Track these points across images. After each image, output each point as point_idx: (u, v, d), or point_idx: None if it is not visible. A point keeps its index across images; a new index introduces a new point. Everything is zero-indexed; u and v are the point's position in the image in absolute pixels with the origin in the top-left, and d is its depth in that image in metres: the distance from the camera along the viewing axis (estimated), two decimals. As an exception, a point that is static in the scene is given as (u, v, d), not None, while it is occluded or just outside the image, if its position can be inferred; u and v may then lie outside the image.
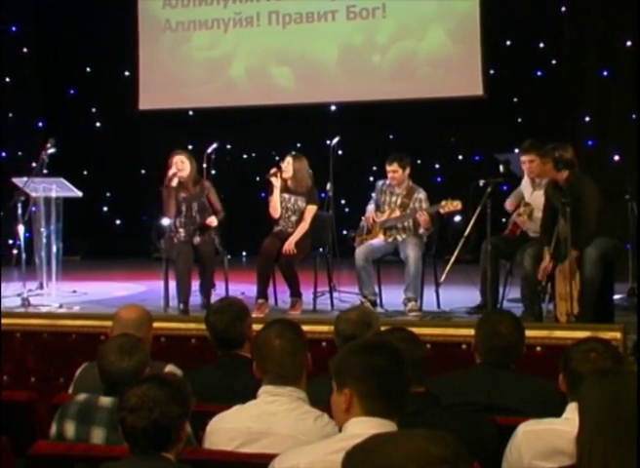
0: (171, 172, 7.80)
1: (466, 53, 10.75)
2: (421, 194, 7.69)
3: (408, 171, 7.75)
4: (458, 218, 7.96)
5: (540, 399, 3.63)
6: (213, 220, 7.83)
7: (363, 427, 2.60)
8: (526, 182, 7.54)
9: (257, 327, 4.09)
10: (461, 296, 7.65)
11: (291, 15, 11.42)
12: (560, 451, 3.03)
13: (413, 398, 3.24)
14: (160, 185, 7.99)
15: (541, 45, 10.81)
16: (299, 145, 11.26)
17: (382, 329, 4.00)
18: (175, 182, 7.79)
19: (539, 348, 5.30)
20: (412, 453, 1.83)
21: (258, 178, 11.56)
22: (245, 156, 12.11)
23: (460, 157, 11.29)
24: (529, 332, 4.20)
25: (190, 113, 12.11)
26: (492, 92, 10.69)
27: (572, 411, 3.08)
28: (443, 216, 7.65)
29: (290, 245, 7.61)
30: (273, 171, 7.86)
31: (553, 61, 10.74)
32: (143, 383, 2.95)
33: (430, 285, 7.59)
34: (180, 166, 7.84)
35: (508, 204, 7.66)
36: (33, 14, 12.24)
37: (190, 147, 9.86)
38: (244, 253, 11.61)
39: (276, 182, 7.83)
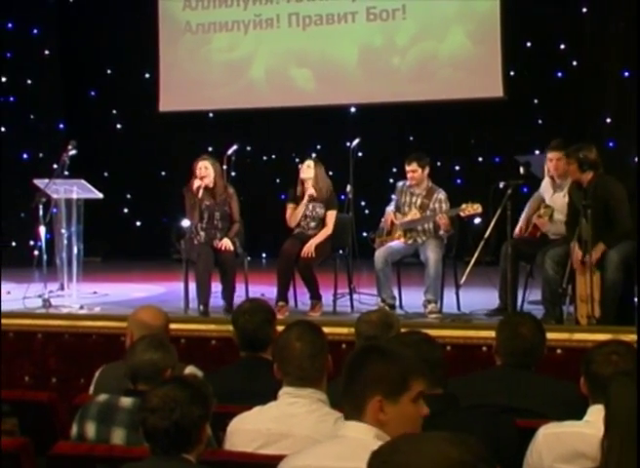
0: (196, 183, 7.78)
1: (486, 54, 10.73)
2: (442, 194, 7.67)
3: (427, 170, 7.74)
4: (478, 221, 7.95)
5: (560, 401, 3.62)
6: (227, 244, 7.78)
7: None
8: (546, 184, 7.51)
9: (277, 329, 4.11)
10: (482, 299, 7.63)
11: (311, 16, 11.43)
12: (582, 455, 3.01)
13: (432, 399, 3.24)
14: (181, 188, 8.00)
15: (562, 46, 10.78)
16: (318, 147, 11.28)
17: (402, 331, 3.99)
18: (201, 193, 7.77)
19: (559, 350, 5.29)
20: (432, 456, 1.83)
21: (278, 180, 11.60)
22: (265, 158, 12.12)
23: (480, 159, 11.26)
24: (550, 335, 4.18)
25: (210, 115, 12.14)
26: (512, 93, 10.66)
27: (593, 414, 3.07)
28: (463, 219, 7.64)
29: (310, 247, 7.62)
30: (310, 192, 7.82)
31: (574, 63, 10.70)
32: (165, 384, 2.97)
33: (450, 287, 7.57)
34: (204, 172, 7.82)
35: (529, 209, 7.60)
36: (54, 16, 12.30)
37: (210, 149, 9.88)
38: (264, 255, 11.62)
39: (306, 200, 7.84)
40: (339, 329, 5.76)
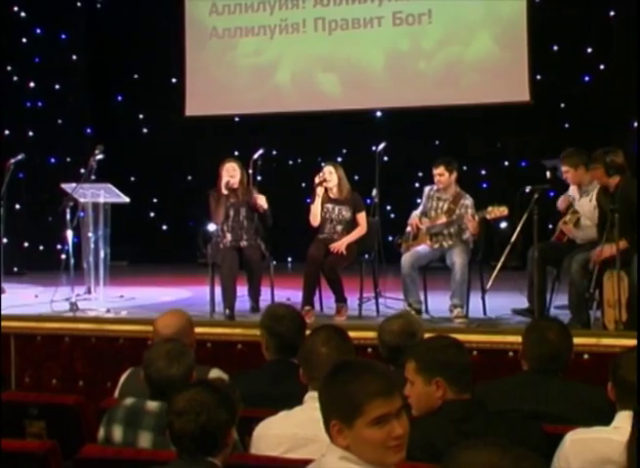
0: (224, 180, 7.83)
1: (513, 58, 10.70)
2: (468, 200, 7.65)
3: (455, 175, 7.71)
4: (504, 225, 7.92)
5: (588, 407, 3.59)
6: (262, 200, 7.82)
7: None
8: (572, 190, 7.48)
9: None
10: (508, 303, 7.59)
11: (337, 21, 11.44)
12: (609, 461, 2.99)
13: (460, 404, 3.23)
14: (207, 192, 8.03)
15: (589, 50, 10.73)
16: (344, 151, 11.28)
17: (427, 336, 3.97)
18: (226, 190, 7.81)
19: (586, 356, 5.25)
20: (482, 465, 1.82)
21: (303, 184, 11.59)
22: (290, 162, 12.14)
23: (507, 163, 11.23)
24: (576, 340, 4.16)
25: (236, 119, 12.17)
26: (539, 97, 10.62)
27: (621, 420, 3.04)
28: (489, 222, 7.60)
29: (342, 244, 7.64)
30: (319, 179, 7.86)
31: (601, 66, 10.65)
32: (192, 388, 2.97)
33: (477, 291, 7.54)
34: (232, 173, 7.89)
35: (560, 202, 7.54)
36: (82, 21, 12.38)
37: (236, 153, 9.90)
38: (289, 259, 11.63)
39: (320, 191, 7.85)
40: (364, 333, 5.75)
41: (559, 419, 3.54)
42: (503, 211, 7.32)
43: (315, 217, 7.89)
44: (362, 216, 7.91)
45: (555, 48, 10.84)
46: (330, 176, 7.87)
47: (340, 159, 8.56)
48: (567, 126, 10.74)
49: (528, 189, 7.00)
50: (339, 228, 7.87)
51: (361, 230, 7.87)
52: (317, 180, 7.87)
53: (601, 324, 6.56)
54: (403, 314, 6.16)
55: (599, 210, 6.84)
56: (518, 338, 4.15)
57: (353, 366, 2.69)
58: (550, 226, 7.82)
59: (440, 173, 7.67)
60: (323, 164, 8.12)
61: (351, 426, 2.56)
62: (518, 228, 7.01)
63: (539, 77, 10.75)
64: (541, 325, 3.99)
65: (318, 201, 7.87)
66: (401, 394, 2.70)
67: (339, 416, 2.58)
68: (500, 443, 1.89)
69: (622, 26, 10.28)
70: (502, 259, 7.01)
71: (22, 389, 6.37)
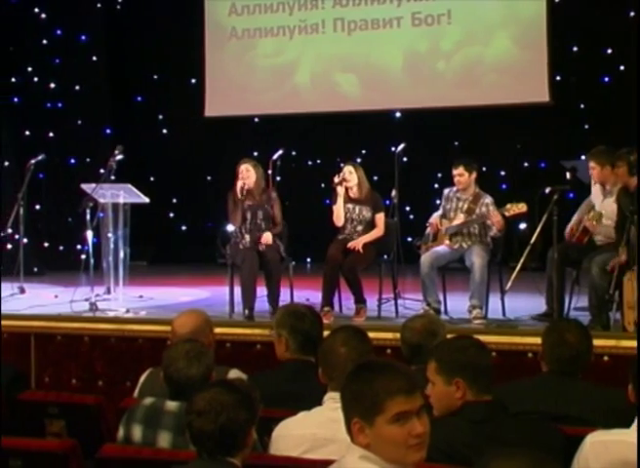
0: (239, 184, 7.82)
1: (532, 59, 10.67)
2: (488, 199, 7.62)
3: (474, 175, 7.69)
4: (523, 226, 7.89)
5: (608, 409, 3.58)
6: (268, 238, 7.79)
7: None
8: (596, 191, 7.44)
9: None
10: (527, 304, 7.58)
11: (356, 21, 11.43)
12: (629, 463, 2.98)
13: (480, 406, 3.22)
14: (227, 192, 8.04)
15: (609, 50, 10.68)
16: (363, 152, 11.27)
17: (448, 336, 3.97)
18: (242, 194, 7.80)
19: (606, 357, 5.24)
20: None
21: (322, 185, 11.58)
22: (310, 163, 12.14)
23: (526, 164, 11.19)
24: (596, 341, 4.15)
25: (256, 120, 12.18)
26: (558, 98, 10.59)
27: (642, 422, 3.03)
28: (508, 220, 7.57)
29: (358, 243, 7.63)
30: (339, 179, 7.86)
31: (621, 67, 10.60)
32: (212, 387, 2.97)
33: (496, 292, 7.52)
34: (245, 174, 7.87)
35: (572, 223, 7.52)
36: (102, 23, 12.42)
37: (255, 154, 9.93)
38: (308, 260, 11.63)
39: (341, 191, 7.84)
40: (383, 334, 5.76)
41: (579, 421, 3.53)
42: (522, 207, 7.30)
43: (339, 218, 7.88)
44: (380, 218, 7.90)
45: (575, 48, 10.79)
46: (350, 176, 7.87)
47: (359, 160, 8.56)
48: (586, 127, 10.70)
49: (547, 190, 6.98)
50: (359, 228, 7.87)
51: (378, 232, 7.86)
52: (336, 180, 7.87)
53: (621, 326, 6.53)
54: (426, 314, 6.17)
55: (618, 211, 6.81)
56: (537, 340, 4.14)
57: (375, 364, 2.70)
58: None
59: (460, 173, 7.65)
60: (342, 164, 8.12)
61: (372, 424, 2.56)
62: (538, 229, 6.99)
63: (558, 78, 10.71)
64: (561, 326, 3.97)
65: (340, 201, 7.86)
66: (422, 393, 2.71)
67: (360, 414, 2.58)
68: (532, 454, 1.88)
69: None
70: (522, 260, 6.99)
71: (42, 389, 6.40)
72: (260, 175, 7.98)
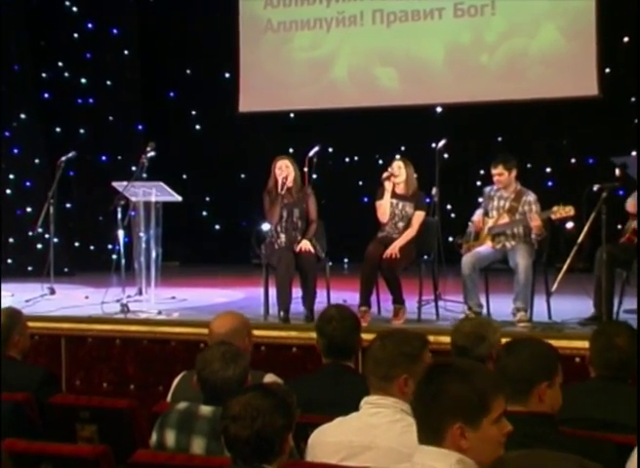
0: (280, 179, 7.82)
1: (581, 50, 10.59)
2: (531, 197, 7.58)
3: (514, 173, 7.65)
4: (570, 225, 7.83)
5: (659, 416, 3.55)
6: (307, 246, 7.73)
7: None
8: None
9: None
10: (574, 307, 7.53)
11: (395, 13, 11.42)
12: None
13: (526, 417, 3.19)
14: (261, 190, 8.06)
15: (661, 41, 10.58)
16: (403, 148, 11.25)
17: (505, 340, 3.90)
18: (284, 190, 7.80)
19: (658, 362, 5.18)
20: None
21: (360, 183, 11.60)
22: (347, 160, 12.14)
23: (574, 160, 11.12)
24: (647, 346, 4.11)
25: (291, 115, 12.20)
26: (608, 91, 10.51)
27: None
28: (555, 222, 7.54)
29: (394, 249, 7.60)
30: (387, 174, 7.86)
31: (674, 59, 10.50)
32: (247, 392, 2.98)
33: (541, 294, 7.48)
34: (285, 171, 7.87)
35: (629, 205, 7.46)
36: (134, 16, 12.50)
37: (291, 151, 9.94)
38: (346, 260, 11.64)
39: (389, 186, 7.83)
40: (424, 337, 5.74)
41: (628, 429, 3.50)
42: (569, 211, 7.25)
43: (384, 214, 7.86)
44: (418, 216, 7.85)
45: (626, 39, 10.69)
46: (398, 171, 7.86)
47: (397, 156, 8.53)
48: (637, 121, 10.60)
49: (596, 188, 6.93)
50: (400, 225, 7.85)
51: (411, 232, 7.80)
52: (385, 175, 7.87)
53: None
54: (480, 317, 6.15)
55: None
56: (585, 344, 4.13)
57: (458, 364, 2.68)
58: (619, 227, 7.73)
59: (499, 172, 7.61)
60: (396, 159, 8.11)
61: (478, 426, 2.54)
62: (585, 229, 6.94)
63: (608, 70, 10.63)
64: (610, 330, 3.95)
65: (387, 196, 7.85)
66: None
67: (464, 417, 2.53)
68: (577, 460, 1.88)
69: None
70: (569, 261, 6.94)
71: (73, 392, 6.45)
72: (297, 172, 8.00)
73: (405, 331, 3.70)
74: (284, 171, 7.85)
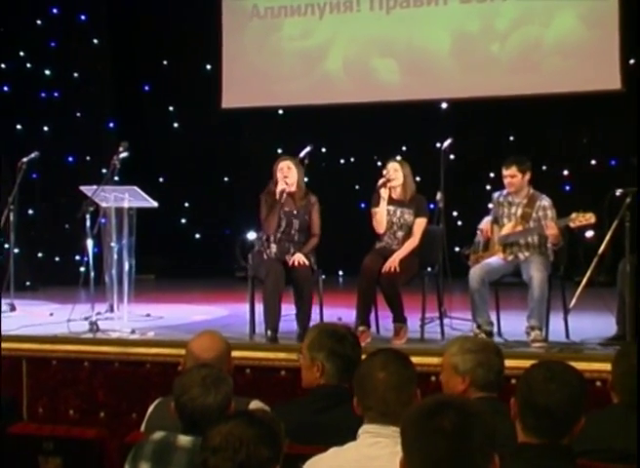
0: (280, 186, 7.77)
1: (602, 40, 10.63)
2: (545, 201, 7.60)
3: (528, 176, 7.67)
4: (590, 234, 7.85)
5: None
6: (300, 259, 7.70)
7: None
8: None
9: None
10: (595, 325, 7.55)
11: (396, -2, 11.47)
12: None
13: (539, 448, 3.18)
14: (247, 194, 8.06)
15: (691, 29, 10.64)
16: (404, 149, 11.27)
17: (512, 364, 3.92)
18: (284, 198, 7.75)
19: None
20: None
21: (357, 187, 11.61)
22: (342, 161, 12.17)
23: (594, 162, 11.16)
24: (677, 369, 4.12)
25: (280, 112, 12.23)
26: (632, 85, 10.54)
27: None
28: (573, 231, 7.55)
29: (393, 262, 7.58)
30: (383, 180, 7.85)
31: None
32: (230, 420, 2.97)
33: (558, 311, 7.50)
34: (287, 172, 7.78)
35: None
36: (105, 0, 12.50)
37: (280, 151, 9.95)
38: (340, 273, 11.65)
39: (385, 194, 7.81)
40: (427, 358, 5.75)
41: (653, 461, 3.51)
42: (590, 218, 7.26)
43: (380, 224, 7.85)
44: (420, 224, 7.84)
45: (652, 27, 10.75)
46: (395, 174, 7.84)
47: (399, 157, 8.55)
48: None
49: (619, 192, 6.95)
50: (399, 234, 7.84)
51: (413, 242, 7.79)
52: (381, 182, 7.85)
53: None
54: (479, 338, 6.14)
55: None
56: (607, 366, 4.12)
57: (462, 402, 2.65)
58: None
59: (512, 174, 7.62)
60: (380, 163, 8.11)
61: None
62: (607, 238, 6.96)
63: (632, 61, 10.66)
64: (634, 351, 3.96)
65: (384, 204, 7.83)
66: None
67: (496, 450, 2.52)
68: None
69: None
70: (588, 274, 6.96)
71: (36, 420, 6.44)
72: (301, 175, 7.94)
73: (391, 350, 3.71)
74: (285, 172, 7.78)
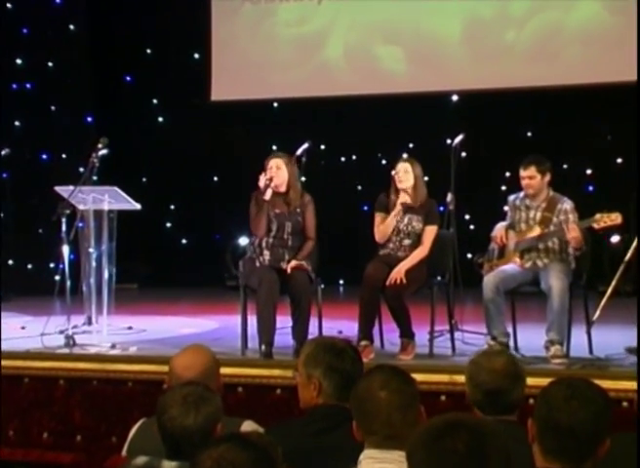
0: (262, 180, 7.76)
1: (627, 27, 10.62)
2: (567, 204, 7.58)
3: (548, 178, 7.65)
4: (616, 239, 7.87)
5: None
6: (298, 264, 7.71)
7: None
8: None
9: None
10: (620, 339, 7.54)
11: (402, -20, 11.49)
12: None
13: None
14: (238, 195, 8.05)
15: None
16: (411, 146, 11.30)
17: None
18: (268, 195, 7.73)
19: None
20: None
21: (359, 187, 11.62)
22: (343, 159, 12.18)
23: (619, 160, 11.16)
24: None
25: (275, 105, 12.23)
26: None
27: None
28: (598, 232, 7.52)
29: (399, 273, 7.56)
30: (401, 186, 7.77)
31: None
32: (221, 443, 2.96)
33: (580, 324, 7.50)
34: (275, 172, 7.77)
35: None
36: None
37: (274, 148, 9.94)
38: (341, 282, 11.65)
39: (400, 202, 7.75)
40: (437, 376, 5.75)
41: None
42: (616, 218, 7.25)
43: (384, 234, 7.79)
44: (430, 232, 7.79)
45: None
46: (405, 177, 7.79)
47: (405, 155, 8.55)
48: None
49: (647, 193, 6.96)
50: (406, 242, 7.82)
51: (422, 252, 7.75)
52: (399, 202, 7.76)
53: None
54: (501, 350, 6.14)
55: None
56: (634, 385, 4.12)
57: (475, 421, 2.67)
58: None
59: (530, 175, 7.61)
60: (400, 161, 8.01)
61: None
62: (634, 244, 6.97)
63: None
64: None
65: (392, 222, 7.74)
66: None
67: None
68: None
69: None
70: (614, 283, 6.97)
71: (7, 444, 6.43)
72: (294, 175, 7.89)
73: (387, 366, 3.71)
74: (273, 173, 7.76)
